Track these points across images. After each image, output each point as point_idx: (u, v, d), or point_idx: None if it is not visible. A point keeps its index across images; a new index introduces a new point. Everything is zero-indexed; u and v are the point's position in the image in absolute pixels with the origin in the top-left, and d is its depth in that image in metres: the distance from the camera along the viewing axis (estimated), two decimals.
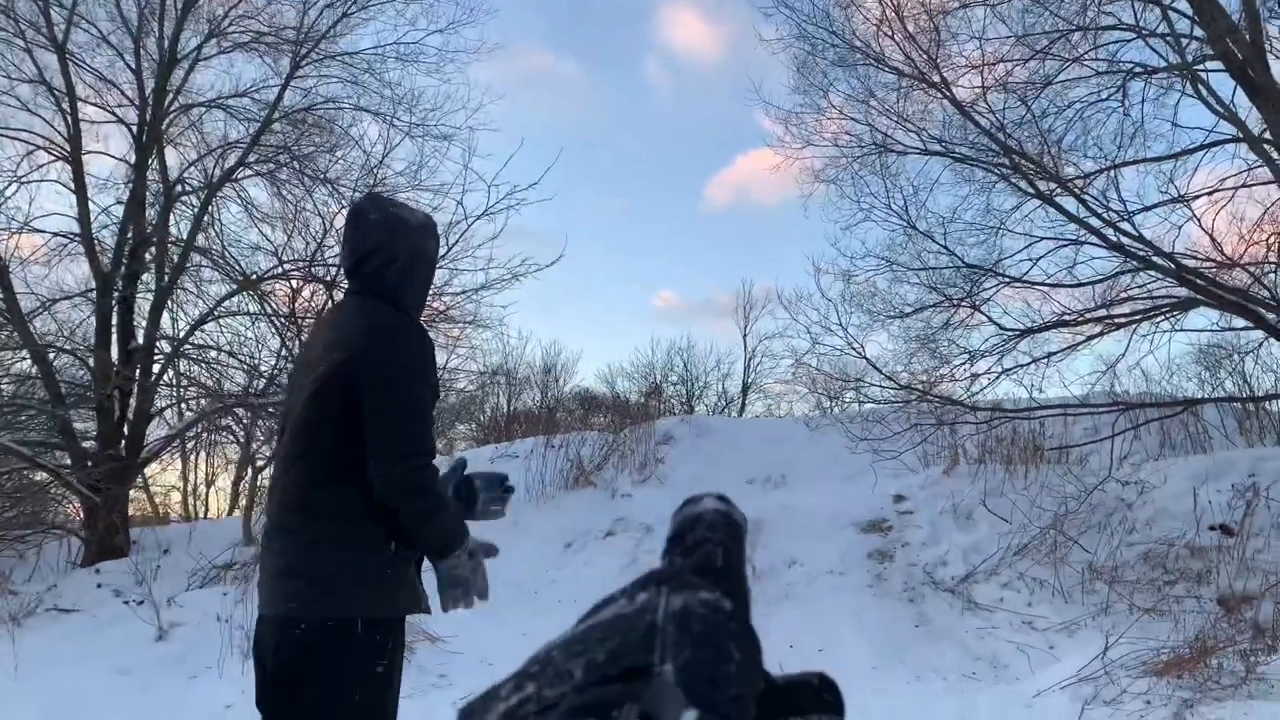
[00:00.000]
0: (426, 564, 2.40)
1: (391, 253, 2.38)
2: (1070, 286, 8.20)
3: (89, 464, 8.59)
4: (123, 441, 8.85)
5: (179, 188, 9.44)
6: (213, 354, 9.85)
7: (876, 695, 5.62)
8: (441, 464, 2.38)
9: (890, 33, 8.42)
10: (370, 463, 2.20)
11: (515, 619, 7.23)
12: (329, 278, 9.01)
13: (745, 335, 29.40)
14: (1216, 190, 7.92)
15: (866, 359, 8.55)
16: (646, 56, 43.10)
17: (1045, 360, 8.34)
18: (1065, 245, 8.16)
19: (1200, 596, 6.50)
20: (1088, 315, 8.21)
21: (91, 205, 8.99)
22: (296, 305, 9.31)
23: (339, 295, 9.33)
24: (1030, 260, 8.31)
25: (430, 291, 2.57)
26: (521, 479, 10.33)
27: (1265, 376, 9.93)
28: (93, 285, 8.97)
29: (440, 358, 9.79)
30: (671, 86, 43.41)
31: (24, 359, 9.29)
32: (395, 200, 2.56)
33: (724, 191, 44.02)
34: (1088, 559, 7.18)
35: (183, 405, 10.12)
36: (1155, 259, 7.55)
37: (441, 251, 9.04)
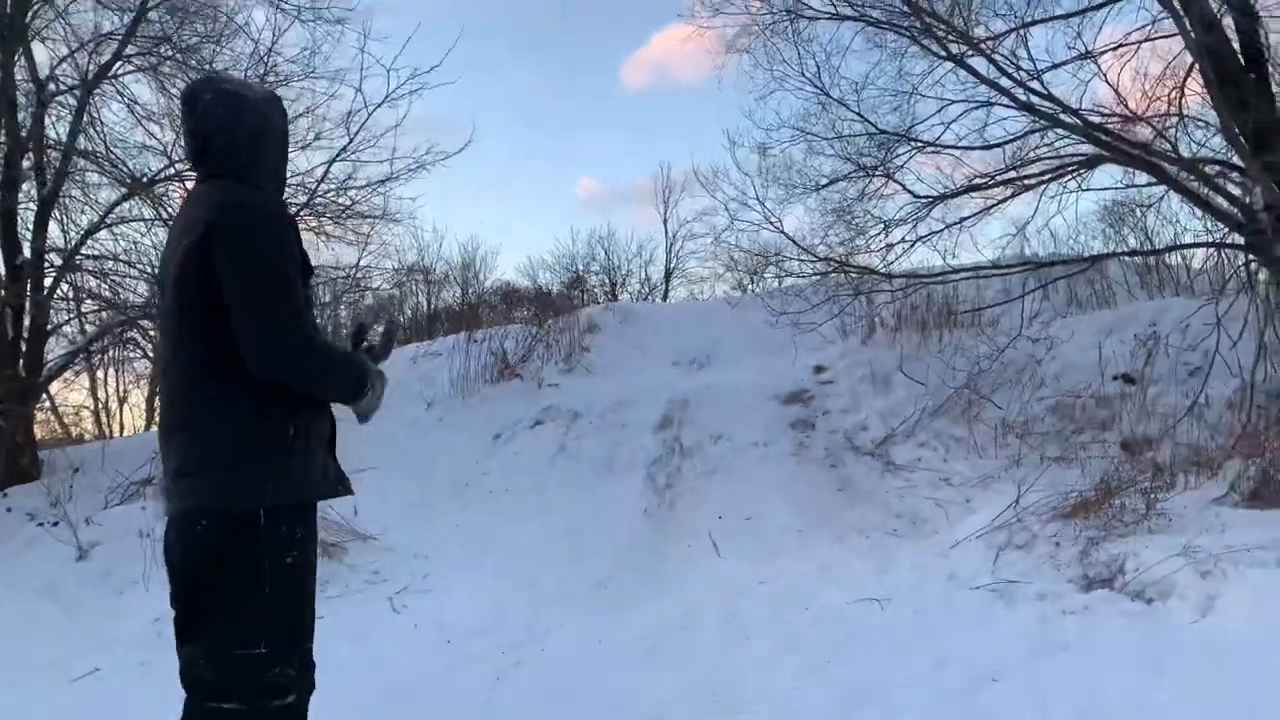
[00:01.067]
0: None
1: (234, 130, 2.26)
2: (981, 149, 8.24)
3: None
4: (20, 361, 8.45)
5: (51, 86, 8.77)
6: (109, 264, 9.38)
7: (802, 559, 5.82)
8: None
9: None
10: (242, 348, 2.09)
11: (447, 512, 7.25)
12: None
13: (665, 220, 29.33)
14: (1122, 45, 7.94)
15: (784, 233, 8.55)
16: None
17: (958, 225, 8.44)
18: (976, 107, 8.14)
19: (1105, 442, 6.82)
20: (998, 178, 8.28)
21: None
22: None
23: None
24: (943, 125, 8.31)
25: (288, 168, 2.46)
26: (446, 376, 10.23)
27: (1166, 230, 10.25)
28: None
29: (352, 255, 9.54)
30: None
31: None
32: (232, 78, 2.48)
33: (641, 72, 43.03)
34: (1000, 415, 7.44)
35: (82, 319, 9.69)
36: (1063, 116, 7.59)
37: (344, 142, 8.70)
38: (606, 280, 28.88)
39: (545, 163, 45.30)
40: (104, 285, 9.49)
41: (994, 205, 8.41)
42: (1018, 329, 8.25)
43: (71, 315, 9.51)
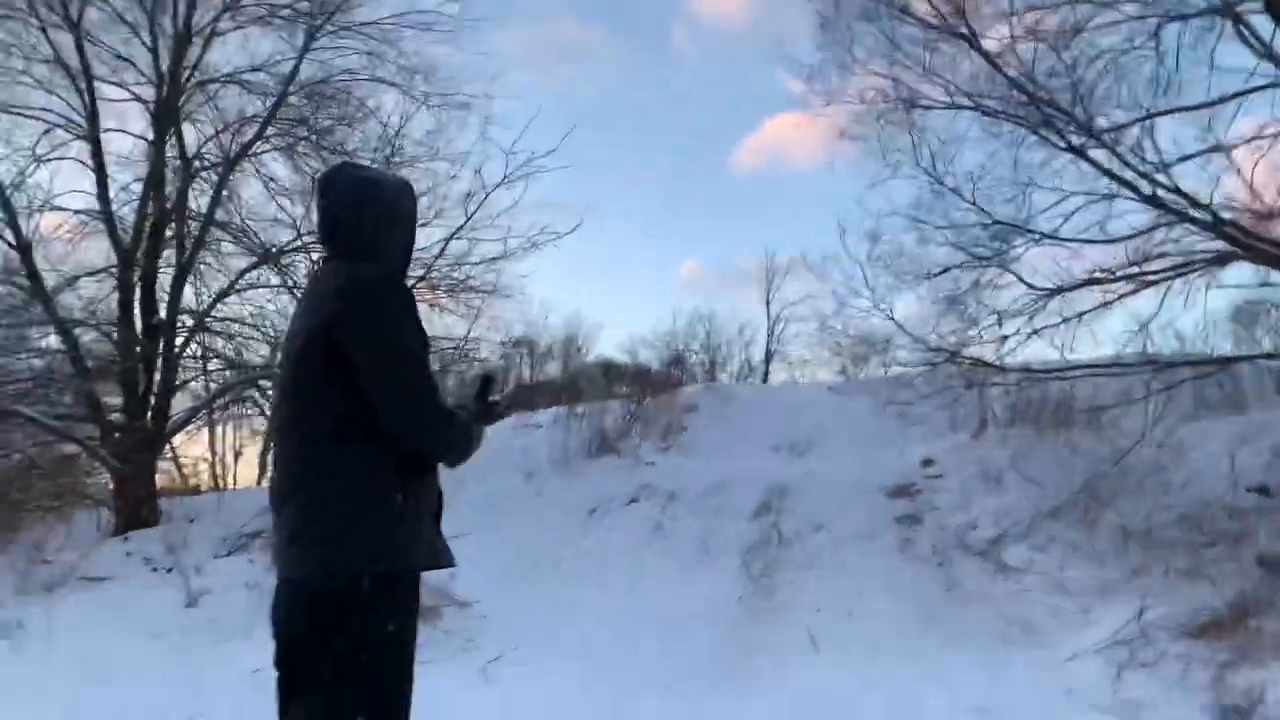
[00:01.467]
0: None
1: (362, 212, 2.33)
2: (1103, 243, 7.97)
3: (116, 435, 8.66)
4: (149, 414, 8.90)
5: (197, 163, 9.43)
6: (235, 327, 9.89)
7: (908, 659, 5.55)
8: None
9: None
10: (386, 421, 2.17)
11: (541, 584, 7.22)
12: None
13: (769, 303, 29.26)
14: (1256, 139, 7.63)
15: (894, 320, 8.37)
16: (674, 23, 42.67)
17: (1076, 319, 8.12)
18: (1098, 200, 7.91)
19: (1239, 557, 6.35)
20: (1120, 273, 7.98)
21: (111, 183, 9.05)
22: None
23: None
24: (1061, 217, 8.07)
25: (414, 253, 2.52)
26: (545, 449, 10.31)
27: None
28: (114, 261, 8.99)
29: (461, 327, 9.78)
30: (699, 52, 43.01)
31: (50, 334, 9.35)
32: (365, 166, 2.59)
33: (753, 157, 43.63)
34: (1121, 522, 7.03)
35: (207, 378, 10.18)
36: (1192, 211, 7.32)
37: (462, 221, 9.02)
38: (706, 360, 28.90)
39: (652, 243, 46.14)
40: (229, 346, 10.00)
41: (1115, 300, 8.09)
42: (1140, 432, 7.84)
43: (198, 373, 10.01)
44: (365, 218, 2.33)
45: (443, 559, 2.36)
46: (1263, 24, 7.13)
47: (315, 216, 2.49)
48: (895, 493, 8.32)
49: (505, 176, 8.79)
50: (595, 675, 5.49)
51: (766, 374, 28.26)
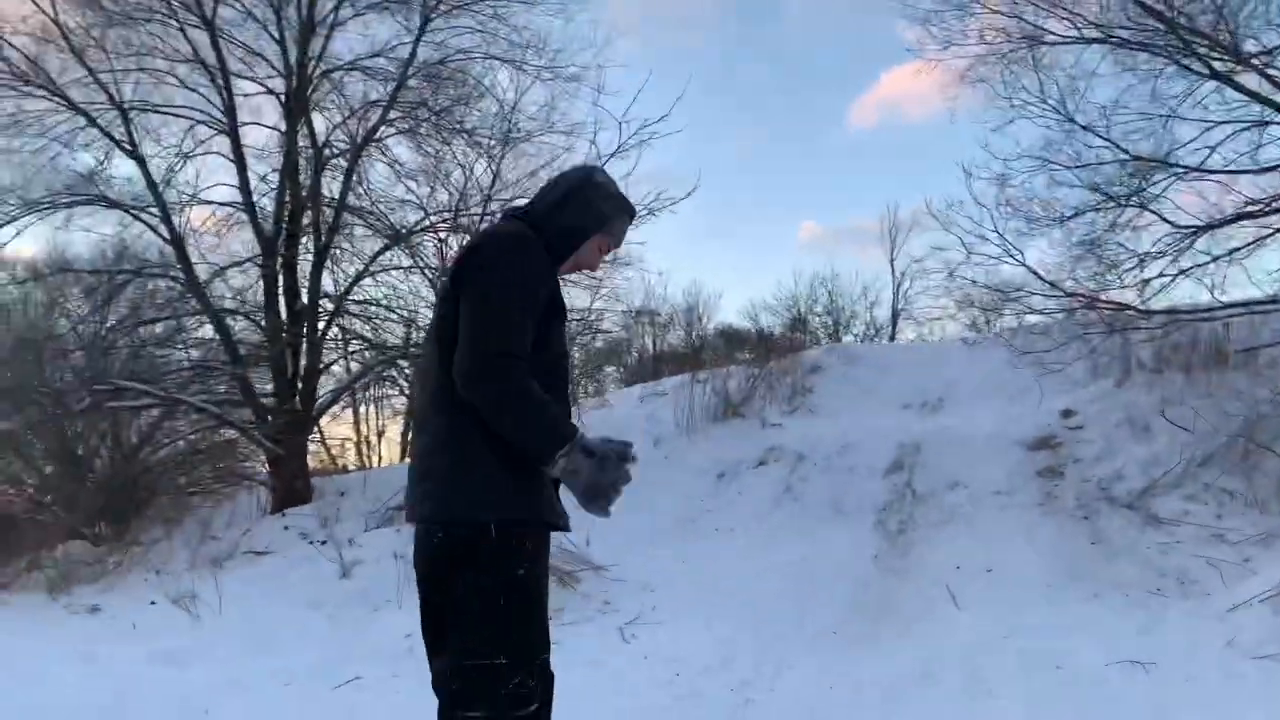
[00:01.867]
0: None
1: (554, 186, 2.46)
2: (1254, 173, 7.46)
3: (269, 419, 9.20)
4: (297, 396, 9.41)
5: (327, 151, 9.84)
6: (372, 309, 10.32)
7: (1052, 615, 5.39)
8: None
9: None
10: (455, 358, 2.16)
11: (673, 546, 7.33)
12: (473, 226, 9.21)
13: (893, 260, 28.54)
14: None
15: (1027, 266, 8.03)
16: None
17: (1227, 257, 7.64)
18: (1248, 127, 7.40)
19: None
20: (1275, 204, 7.46)
21: (251, 174, 9.54)
22: (445, 255, 9.58)
23: None
24: (1207, 148, 7.59)
25: (578, 245, 2.47)
26: (670, 414, 10.40)
27: None
28: (258, 251, 9.51)
29: (584, 299, 9.92)
30: (808, 8, 41.99)
31: (205, 324, 9.98)
32: (608, 175, 2.57)
33: (869, 112, 42.52)
34: None
35: (348, 359, 10.68)
36: None
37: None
38: (830, 322, 28.45)
39: (769, 207, 45.55)
40: (367, 328, 10.45)
41: (1270, 235, 7.57)
42: None
43: (340, 355, 10.51)
44: (551, 191, 2.46)
45: (562, 521, 2.36)
46: None
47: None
48: (1035, 445, 8.05)
49: (620, 145, 8.81)
50: (732, 634, 5.55)
51: (894, 333, 27.62)
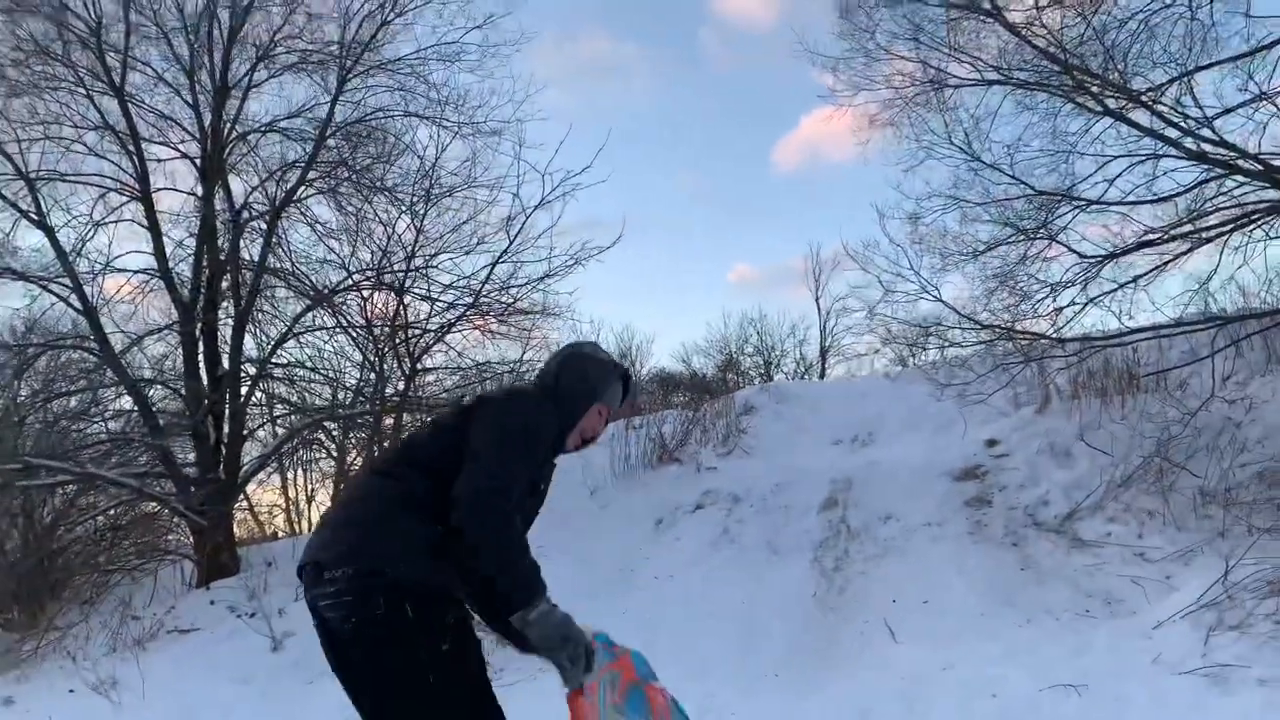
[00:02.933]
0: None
1: (557, 365, 2.66)
2: (1150, 202, 7.80)
3: (192, 489, 8.93)
4: (221, 465, 9.16)
5: (246, 213, 9.71)
6: (297, 371, 10.14)
7: (986, 642, 5.48)
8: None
9: None
10: (455, 484, 2.24)
11: (612, 598, 7.25)
12: (396, 284, 9.15)
13: (818, 299, 29.06)
14: None
15: (944, 301, 8.27)
16: (701, 28, 42.79)
17: (1132, 284, 7.94)
18: (1142, 161, 7.75)
19: None
20: (1173, 232, 7.81)
21: (166, 240, 9.35)
22: (369, 313, 9.49)
23: (411, 301, 9.50)
24: (1106, 181, 7.91)
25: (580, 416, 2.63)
26: (607, 461, 10.37)
27: None
28: (176, 317, 9.30)
29: (515, 351, 9.89)
30: (729, 55, 42.99)
31: (122, 395, 9.68)
32: (600, 349, 2.80)
33: (792, 155, 43.45)
34: (1198, 484, 6.87)
35: (274, 424, 10.44)
36: (1241, 162, 7.14)
37: (505, 245, 9.14)
38: (761, 361, 28.78)
39: (700, 251, 46.15)
40: (292, 391, 10.26)
41: (1170, 261, 7.90)
42: (1210, 390, 7.65)
43: (265, 420, 10.28)
44: (553, 367, 2.66)
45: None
46: None
47: None
48: (962, 476, 8.21)
49: (544, 197, 8.89)
50: (674, 684, 5.47)
51: (823, 370, 28.05)
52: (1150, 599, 5.60)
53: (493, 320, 9.73)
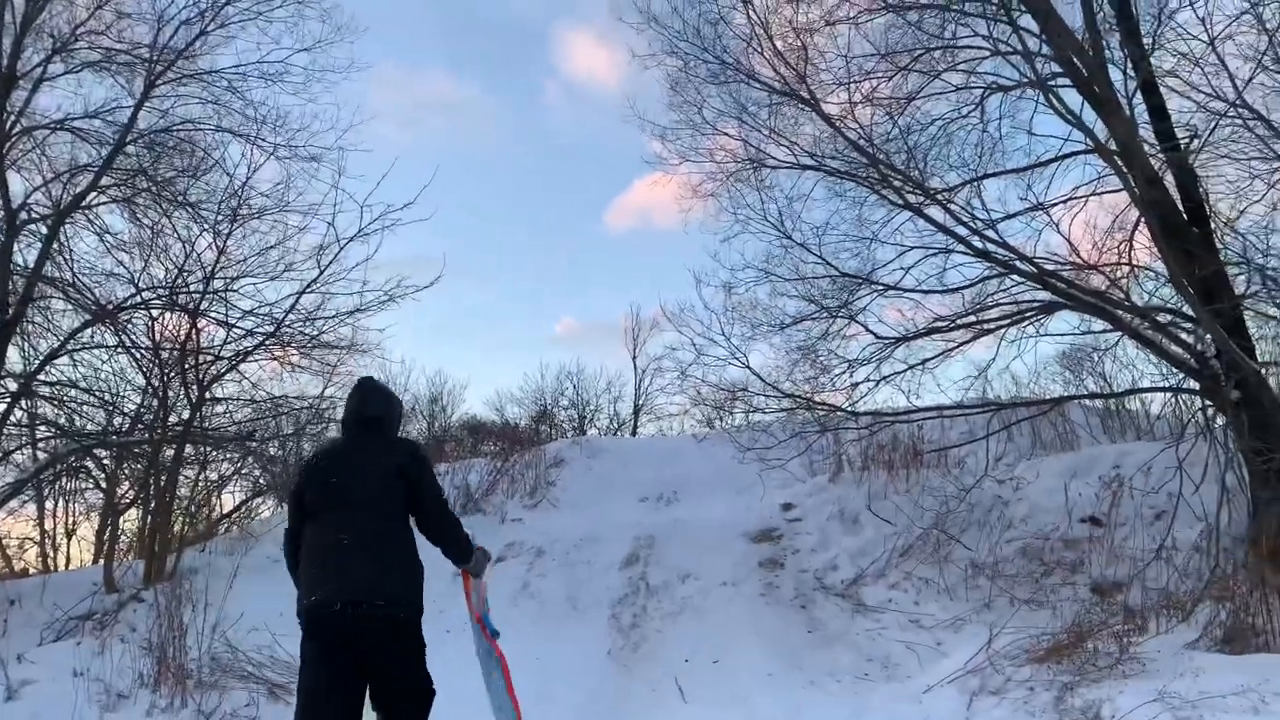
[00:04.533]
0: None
1: (394, 413, 4.08)
2: (940, 292, 8.45)
3: None
4: None
5: (23, 215, 8.82)
6: (69, 391, 9.22)
7: (774, 702, 5.60)
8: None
9: (760, 49, 8.57)
10: (429, 522, 3.84)
11: None
12: (191, 306, 8.54)
13: (635, 358, 29.50)
14: (1071, 199, 8.31)
15: (749, 368, 8.59)
16: (546, 80, 43.14)
17: (920, 367, 8.54)
18: (935, 254, 8.39)
19: (1075, 584, 6.75)
20: (958, 321, 8.46)
21: None
22: (157, 335, 8.78)
23: (205, 325, 8.86)
24: (902, 269, 8.51)
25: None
26: None
27: (1124, 375, 10.47)
28: None
29: (317, 387, 9.43)
30: (571, 111, 43.52)
31: None
32: (381, 383, 4.20)
33: (624, 216, 44.23)
34: (970, 556, 7.38)
35: (35, 446, 9.44)
36: (1018, 264, 7.85)
37: (314, 274, 8.76)
38: (575, 415, 28.83)
39: (526, 300, 45.97)
40: (60, 413, 9.32)
41: (955, 348, 8.55)
42: (983, 469, 8.28)
43: (24, 442, 9.27)
44: (394, 417, 4.08)
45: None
46: (1073, 96, 7.80)
47: (355, 404, 3.97)
48: (759, 537, 8.47)
49: (360, 229, 8.55)
50: None
51: (636, 428, 28.39)
52: (923, 664, 5.92)
53: (294, 352, 9.23)
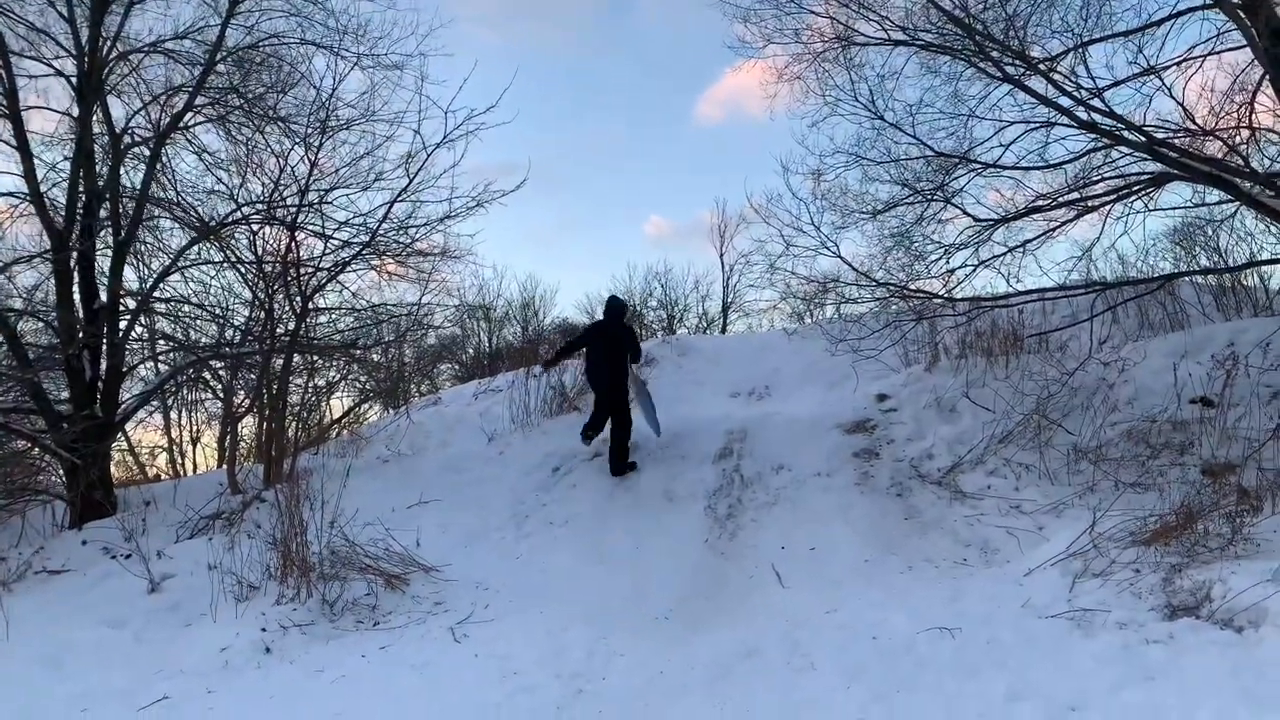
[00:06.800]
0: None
1: (620, 307, 9.20)
2: (1042, 169, 8.07)
3: (64, 426, 8.47)
4: (97, 401, 8.71)
5: (127, 138, 9.12)
6: (182, 307, 9.66)
7: (868, 588, 5.67)
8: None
9: None
10: (633, 352, 9.02)
11: (507, 543, 7.24)
12: (289, 219, 8.77)
13: (722, 255, 29.28)
14: (1186, 59, 7.75)
15: (841, 257, 8.42)
16: None
17: (1021, 249, 8.24)
18: (1036, 128, 7.99)
19: (1184, 465, 6.56)
20: (1061, 199, 8.09)
21: (38, 163, 8.69)
22: (259, 249, 9.07)
23: (304, 238, 9.12)
24: (1001, 146, 8.16)
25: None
26: (506, 410, 10.28)
27: (1240, 248, 9.86)
28: (48, 245, 8.73)
29: (414, 294, 9.66)
30: (659, 4, 42.36)
31: None
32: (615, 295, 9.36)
33: (715, 109, 43.28)
34: (1072, 441, 7.22)
35: (156, 361, 9.97)
36: (1127, 134, 7.41)
37: (404, 183, 8.88)
38: (665, 315, 28.92)
39: (618, 201, 45.87)
40: (177, 327, 9.79)
41: (1057, 227, 8.21)
42: (1087, 353, 8.01)
43: (146, 356, 9.79)
44: (621, 306, 9.24)
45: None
46: None
47: (608, 303, 9.26)
48: (852, 429, 8.43)
49: (446, 136, 8.60)
50: (565, 627, 5.53)
51: (725, 325, 28.36)
52: (1023, 548, 5.87)
53: (390, 261, 9.44)
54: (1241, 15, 6.83)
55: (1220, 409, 7.03)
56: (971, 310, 8.37)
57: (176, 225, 9.40)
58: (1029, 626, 4.61)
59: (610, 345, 8.69)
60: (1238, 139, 7.58)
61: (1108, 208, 8.02)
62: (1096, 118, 7.60)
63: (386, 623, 5.78)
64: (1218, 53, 7.68)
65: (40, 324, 9.24)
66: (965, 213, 8.35)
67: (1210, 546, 4.99)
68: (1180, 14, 7.63)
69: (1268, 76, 6.99)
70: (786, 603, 5.54)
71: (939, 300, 8.36)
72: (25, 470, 9.54)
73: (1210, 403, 7.18)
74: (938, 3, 7.99)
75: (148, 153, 9.06)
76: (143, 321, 9.45)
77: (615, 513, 7.63)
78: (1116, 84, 7.76)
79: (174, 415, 16.28)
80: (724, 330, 27.80)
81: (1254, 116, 7.68)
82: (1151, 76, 7.64)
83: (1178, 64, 7.76)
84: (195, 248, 9.27)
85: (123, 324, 9.07)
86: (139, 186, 8.99)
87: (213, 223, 9.08)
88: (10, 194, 8.81)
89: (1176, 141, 7.56)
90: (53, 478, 9.49)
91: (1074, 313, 8.63)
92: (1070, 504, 6.40)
